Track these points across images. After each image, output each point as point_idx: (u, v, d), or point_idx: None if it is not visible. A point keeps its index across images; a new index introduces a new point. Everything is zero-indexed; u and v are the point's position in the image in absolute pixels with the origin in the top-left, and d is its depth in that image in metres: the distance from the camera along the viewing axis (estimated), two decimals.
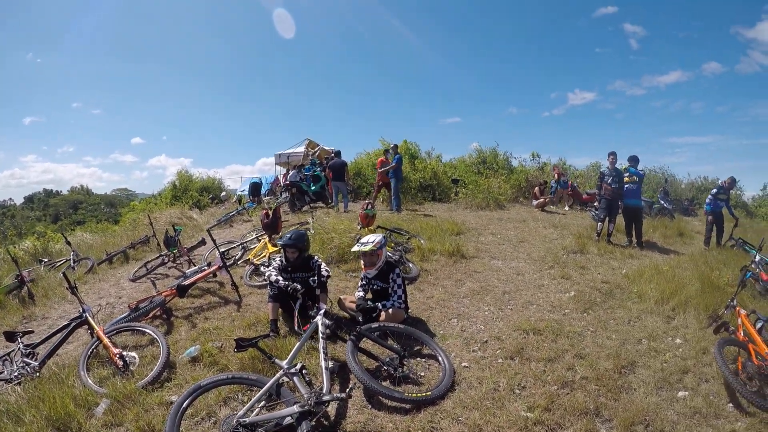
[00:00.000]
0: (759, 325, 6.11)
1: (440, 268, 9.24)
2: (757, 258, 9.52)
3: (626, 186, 11.99)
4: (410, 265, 9.02)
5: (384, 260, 6.53)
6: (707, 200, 13.08)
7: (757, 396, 4.83)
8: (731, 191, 13.21)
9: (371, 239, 6.46)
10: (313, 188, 17.49)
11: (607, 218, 12.07)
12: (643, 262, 10.43)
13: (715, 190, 12.94)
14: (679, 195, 24.25)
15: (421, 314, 7.00)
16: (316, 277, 6.26)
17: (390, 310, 6.26)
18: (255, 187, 20.25)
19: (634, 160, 12.27)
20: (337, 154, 17.45)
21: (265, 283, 7.10)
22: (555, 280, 8.75)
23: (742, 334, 5.82)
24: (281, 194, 19.33)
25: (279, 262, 6.60)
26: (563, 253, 10.53)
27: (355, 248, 6.58)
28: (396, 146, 17.01)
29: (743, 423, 4.61)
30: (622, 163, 13.02)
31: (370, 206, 10.87)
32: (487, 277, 8.88)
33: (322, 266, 6.54)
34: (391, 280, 6.45)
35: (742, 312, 6.16)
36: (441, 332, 6.44)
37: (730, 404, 4.91)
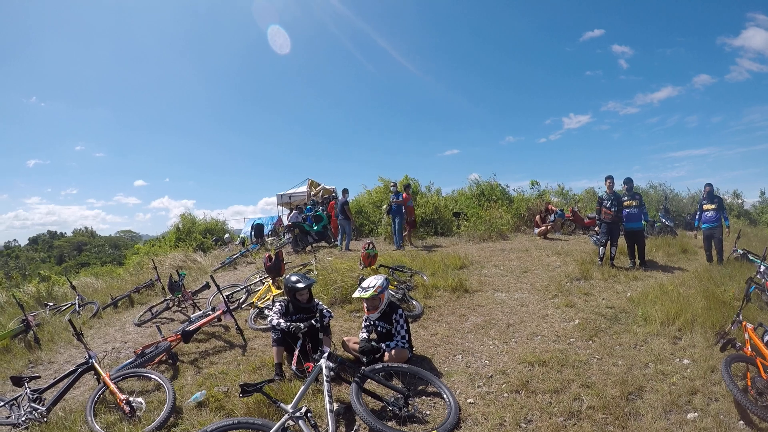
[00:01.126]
0: (767, 337, 6.12)
1: (444, 304, 9.28)
2: (762, 268, 9.53)
3: (626, 210, 12.14)
4: (413, 302, 9.06)
5: (386, 302, 6.54)
6: (696, 216, 13.09)
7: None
8: (717, 198, 12.67)
9: (372, 284, 6.48)
10: (315, 228, 17.64)
11: (608, 242, 12.12)
12: (648, 283, 10.43)
13: (699, 205, 12.97)
14: (680, 210, 24.16)
15: (425, 352, 7.00)
16: (318, 319, 6.32)
17: (393, 351, 6.27)
18: (258, 229, 20.45)
19: (629, 182, 12.47)
20: (344, 192, 17.66)
21: (269, 326, 7.18)
22: (559, 309, 8.76)
23: (749, 349, 5.82)
24: (284, 235, 19.49)
25: (280, 306, 6.65)
26: (567, 281, 10.56)
27: (357, 294, 6.57)
28: (396, 184, 17.21)
29: None
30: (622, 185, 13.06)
31: (371, 246, 10.94)
32: (491, 310, 8.89)
33: (323, 308, 6.62)
34: (394, 321, 6.46)
35: (749, 326, 6.16)
36: (446, 369, 6.44)
37: (741, 422, 4.89)
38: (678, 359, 6.42)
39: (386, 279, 6.67)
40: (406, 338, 6.46)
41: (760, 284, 8.95)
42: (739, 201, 28.25)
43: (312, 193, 24.05)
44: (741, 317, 6.45)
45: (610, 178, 12.40)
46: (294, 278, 6.62)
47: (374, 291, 6.37)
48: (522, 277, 11.43)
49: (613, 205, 12.06)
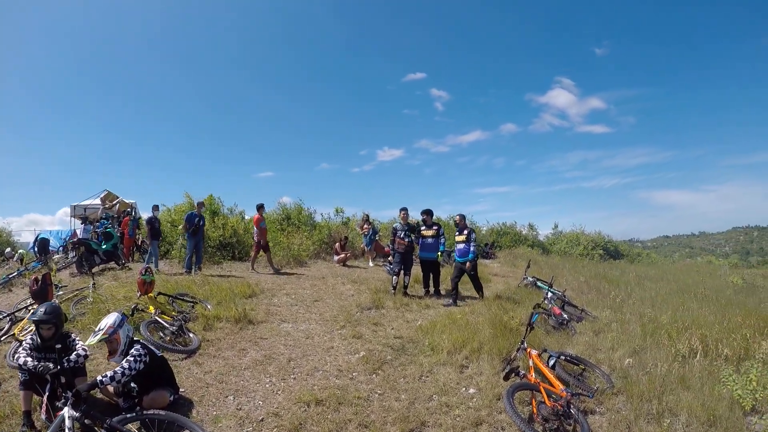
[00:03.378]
0: (552, 361, 6.40)
1: (224, 337, 8.58)
2: (549, 294, 10.18)
3: (422, 240, 12.42)
4: (190, 335, 8.31)
5: (126, 342, 5.75)
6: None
7: None
8: (469, 229, 12.13)
9: (102, 326, 5.70)
10: (104, 247, 15.85)
11: (402, 271, 12.31)
12: (439, 311, 10.67)
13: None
14: (479, 241, 26.02)
15: (195, 393, 6.31)
16: (68, 360, 5.49)
17: (150, 394, 5.58)
18: (42, 244, 17.97)
19: (426, 213, 12.64)
20: (154, 208, 16.51)
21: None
22: (346, 340, 8.54)
23: (533, 376, 5.97)
24: (69, 253, 17.50)
25: (31, 341, 5.69)
26: (357, 311, 10.45)
27: (89, 341, 5.78)
28: (202, 203, 16.31)
29: None
30: (413, 218, 13.27)
31: (148, 272, 9.93)
32: (274, 343, 8.39)
33: (78, 345, 5.76)
34: (130, 355, 5.68)
35: (533, 352, 6.44)
36: (214, 413, 5.82)
37: None
38: (464, 388, 6.45)
39: (122, 316, 5.90)
40: (126, 370, 5.58)
41: (547, 309, 9.43)
42: (534, 233, 31.78)
43: (107, 206, 22.06)
44: (525, 344, 6.68)
45: (404, 209, 12.74)
46: (40, 308, 5.70)
47: (103, 335, 5.58)
48: (312, 306, 11.13)
49: (407, 235, 12.35)
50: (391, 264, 12.94)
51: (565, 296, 10.92)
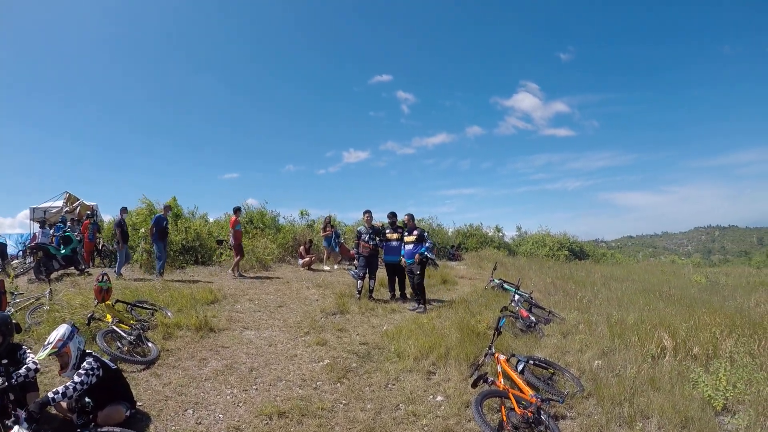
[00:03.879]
0: (521, 366, 6.30)
1: (184, 346, 8.30)
2: (516, 297, 10.13)
3: (386, 243, 12.31)
4: (149, 345, 8.00)
5: (77, 355, 5.45)
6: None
7: None
8: (419, 229, 11.89)
9: (51, 339, 5.37)
10: (63, 251, 15.34)
11: (367, 275, 12.25)
12: (405, 315, 10.60)
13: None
14: (446, 242, 26.20)
15: (153, 407, 6.01)
16: (18, 374, 5.18)
17: (105, 410, 5.26)
18: (0, 249, 17.35)
19: (392, 216, 12.55)
20: (121, 211, 15.97)
21: None
22: (310, 347, 8.35)
23: (502, 382, 5.87)
24: (27, 258, 17.01)
25: None
26: (322, 316, 10.31)
27: (38, 355, 5.43)
28: (169, 207, 16.07)
29: None
30: (380, 221, 13.19)
31: (105, 278, 9.59)
32: (236, 352, 8.14)
33: (29, 358, 5.44)
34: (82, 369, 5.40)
35: (501, 358, 6.30)
36: (173, 428, 5.55)
37: None
38: (431, 396, 6.33)
39: (72, 327, 5.58)
40: (78, 385, 5.31)
41: (514, 312, 9.36)
42: (500, 234, 32.25)
43: (68, 208, 21.49)
44: (493, 349, 6.56)
45: (368, 212, 12.66)
46: None
47: (52, 348, 5.24)
48: (276, 312, 10.91)
49: (372, 238, 12.28)
50: (356, 267, 12.80)
51: (532, 298, 10.92)
